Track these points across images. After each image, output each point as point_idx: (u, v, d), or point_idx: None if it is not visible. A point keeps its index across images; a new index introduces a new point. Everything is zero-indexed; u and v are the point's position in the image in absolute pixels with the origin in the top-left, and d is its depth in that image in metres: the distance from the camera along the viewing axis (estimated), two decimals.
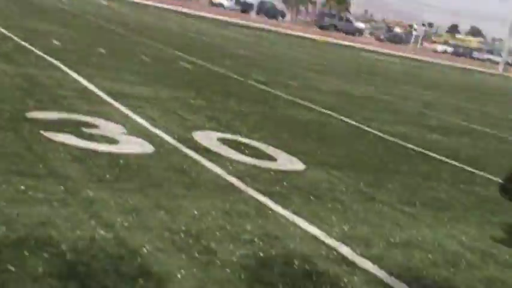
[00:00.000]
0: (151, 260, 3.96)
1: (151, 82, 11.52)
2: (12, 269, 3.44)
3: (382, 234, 5.50)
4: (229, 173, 6.40)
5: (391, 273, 4.63)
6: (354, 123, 11.84)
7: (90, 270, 3.63)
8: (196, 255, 4.19)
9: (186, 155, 6.74)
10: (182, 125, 8.25)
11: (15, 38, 13.56)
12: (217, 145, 7.46)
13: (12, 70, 9.73)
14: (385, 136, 11.06)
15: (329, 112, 12.46)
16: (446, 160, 9.93)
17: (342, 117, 12.14)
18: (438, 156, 10.09)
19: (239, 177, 6.30)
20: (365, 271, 4.57)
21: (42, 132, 6.35)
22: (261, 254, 4.46)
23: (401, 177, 7.94)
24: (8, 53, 11.50)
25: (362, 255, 4.89)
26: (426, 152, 10.25)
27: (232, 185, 6.03)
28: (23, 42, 13.21)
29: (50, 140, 6.12)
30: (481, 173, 9.43)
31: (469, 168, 9.61)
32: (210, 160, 6.71)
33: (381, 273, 4.59)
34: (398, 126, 12.71)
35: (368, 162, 8.46)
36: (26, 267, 3.50)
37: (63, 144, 6.05)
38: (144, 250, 4.08)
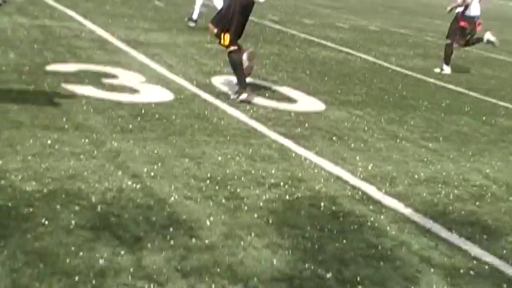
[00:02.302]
0: (180, 208, 4.03)
1: (167, 28, 11.43)
2: (46, 222, 3.52)
3: (406, 172, 5.51)
4: (250, 117, 6.41)
5: (416, 210, 4.66)
6: (372, 59, 11.71)
7: (121, 221, 3.70)
8: (224, 201, 4.25)
9: (206, 101, 6.75)
10: (200, 70, 8.23)
11: None
12: (236, 89, 7.43)
13: (28, 23, 9.70)
14: (405, 71, 10.95)
15: (347, 49, 12.32)
16: (468, 92, 9.83)
17: (360, 54, 12.00)
18: (459, 89, 9.99)
19: (260, 121, 6.31)
20: (391, 209, 4.61)
21: (63, 85, 6.38)
22: (287, 197, 4.51)
23: (423, 113, 7.90)
24: (22, 4, 11.43)
25: (387, 193, 4.92)
26: (447, 85, 10.15)
27: (254, 129, 6.05)
28: None
29: (71, 93, 6.15)
30: (503, 104, 9.35)
31: (491, 99, 9.52)
32: (231, 105, 6.71)
33: (406, 211, 4.63)
34: (417, 59, 12.56)
35: (388, 99, 8.41)
36: (58, 221, 3.57)
37: (84, 97, 6.09)
38: (172, 199, 4.14)
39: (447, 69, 11.28)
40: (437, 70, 11.29)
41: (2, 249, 3.16)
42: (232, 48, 6.86)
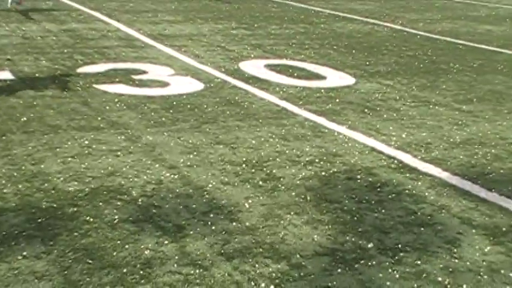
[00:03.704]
0: (218, 194, 4.11)
1: (191, 19, 11.51)
2: (91, 220, 3.64)
3: (441, 136, 5.49)
4: (281, 98, 6.45)
5: (454, 173, 4.66)
6: (399, 27, 11.60)
7: (162, 212, 3.80)
8: (261, 183, 4.32)
9: (235, 87, 6.81)
10: (228, 57, 8.29)
11: None
12: (265, 72, 7.49)
13: (56, 28, 9.88)
14: (433, 36, 10.82)
15: (373, 21, 12.22)
16: (500, 50, 9.68)
17: (386, 24, 11.90)
18: (491, 48, 9.84)
19: (291, 101, 6.35)
20: (428, 175, 4.61)
21: (95, 85, 6.51)
22: (323, 173, 4.55)
23: (454, 76, 7.82)
24: (48, 10, 11.64)
25: (423, 159, 4.92)
26: (477, 45, 10.01)
27: (285, 109, 6.09)
28: None
29: (104, 92, 6.28)
30: None
31: None
32: (260, 88, 6.76)
33: (444, 175, 4.63)
34: (445, 23, 12.39)
35: (419, 66, 8.34)
36: (102, 217, 3.69)
37: (116, 95, 6.21)
38: (210, 185, 4.22)
39: None
40: None
41: (51, 248, 3.29)
42: None
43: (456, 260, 3.42)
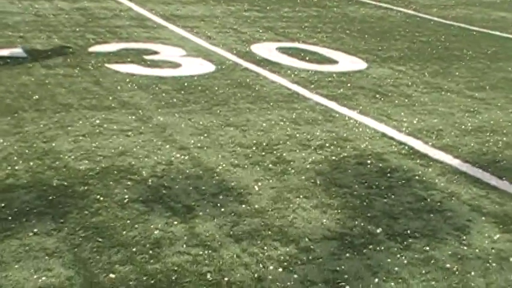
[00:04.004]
0: (228, 176, 4.12)
1: (203, 0, 11.46)
2: (101, 198, 3.66)
3: (453, 123, 5.47)
4: (292, 81, 6.43)
5: (465, 161, 4.64)
6: (412, 12, 11.51)
7: (172, 192, 3.82)
8: (270, 166, 4.32)
9: (247, 69, 6.79)
10: (239, 39, 8.26)
11: None
12: (276, 55, 7.46)
13: (68, 6, 9.87)
14: (447, 21, 10.74)
15: (386, 5, 12.12)
16: None
17: (399, 8, 11.81)
18: (505, 35, 9.75)
19: (302, 85, 6.33)
20: (438, 161, 4.60)
21: (106, 65, 6.51)
22: (333, 158, 4.54)
23: (467, 62, 7.77)
24: None
25: (434, 146, 4.90)
26: (492, 32, 9.92)
27: (296, 93, 6.07)
28: None
29: (115, 72, 6.28)
30: None
31: None
32: (272, 71, 6.74)
33: (454, 162, 4.61)
34: (459, 8, 12.28)
35: (431, 52, 8.29)
36: (112, 196, 3.71)
37: (128, 75, 6.21)
38: (220, 167, 4.23)
39: None
40: None
41: (62, 226, 3.31)
42: None
43: (465, 247, 3.42)
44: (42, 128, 4.66)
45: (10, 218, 3.35)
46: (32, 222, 3.32)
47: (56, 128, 4.70)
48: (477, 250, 3.41)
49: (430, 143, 4.95)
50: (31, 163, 4.05)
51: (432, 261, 3.26)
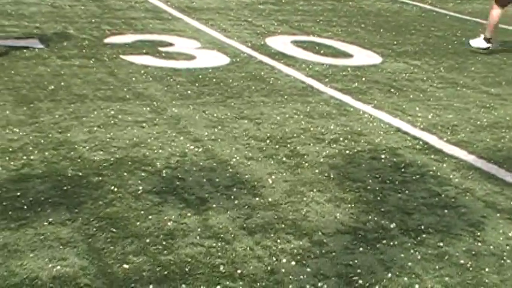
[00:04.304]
0: (242, 168, 4.12)
1: None
2: (115, 189, 3.68)
3: (468, 119, 5.44)
4: (307, 75, 6.42)
5: (480, 157, 4.61)
6: (428, 7, 11.43)
7: (186, 184, 3.83)
8: (284, 159, 4.32)
9: (261, 62, 6.78)
10: (254, 32, 8.25)
11: None
12: (291, 48, 7.45)
13: None
14: (463, 16, 10.66)
15: None
16: None
17: (415, 3, 11.73)
18: None
19: (317, 78, 6.31)
20: (453, 157, 4.58)
21: (121, 56, 6.53)
22: (347, 152, 4.53)
23: (484, 58, 7.71)
24: None
25: (449, 141, 4.88)
26: (509, 27, 9.83)
27: (311, 86, 6.06)
28: None
29: (130, 63, 6.30)
30: None
31: None
32: (286, 64, 6.73)
33: (469, 158, 4.59)
34: (476, 3, 12.18)
35: (447, 47, 8.24)
36: (126, 187, 3.72)
37: (143, 66, 6.22)
38: (234, 160, 4.23)
39: None
40: None
41: (76, 216, 3.33)
42: None
43: (479, 244, 3.41)
44: (57, 119, 4.68)
45: (25, 207, 3.38)
46: (46, 212, 3.34)
47: (71, 118, 4.72)
48: (491, 247, 3.39)
49: (445, 139, 4.93)
50: (46, 153, 4.07)
51: (446, 257, 3.25)
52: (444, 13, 10.91)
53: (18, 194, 3.51)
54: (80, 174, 3.83)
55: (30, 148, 4.13)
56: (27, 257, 2.93)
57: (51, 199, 3.49)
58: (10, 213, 3.30)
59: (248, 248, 3.18)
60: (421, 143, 4.81)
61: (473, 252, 3.31)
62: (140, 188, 3.73)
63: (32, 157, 4.00)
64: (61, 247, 3.04)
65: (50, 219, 3.27)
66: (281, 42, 7.68)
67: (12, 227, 3.17)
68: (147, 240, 3.17)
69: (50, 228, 3.19)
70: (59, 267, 2.88)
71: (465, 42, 8.38)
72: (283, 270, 3.02)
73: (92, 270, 2.89)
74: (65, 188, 3.64)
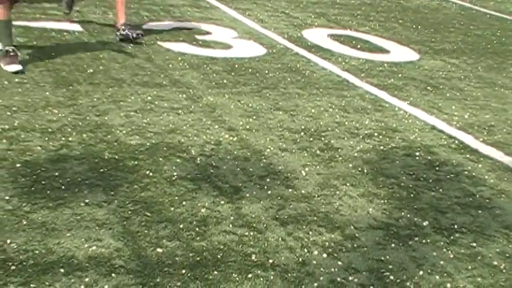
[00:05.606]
0: (276, 159, 4.13)
1: None
2: (150, 174, 3.72)
3: (505, 120, 5.37)
4: (343, 69, 6.39)
5: None
6: (468, 5, 11.28)
7: (219, 172, 3.86)
8: (318, 152, 4.32)
9: (297, 54, 6.78)
10: (291, 24, 8.23)
11: None
12: (328, 42, 7.42)
13: None
14: (504, 16, 10.50)
15: None
16: None
17: (455, 0, 11.59)
18: None
19: (353, 73, 6.29)
20: (489, 158, 4.53)
21: (159, 42, 6.58)
22: (381, 147, 4.52)
23: None
24: None
25: (485, 142, 4.83)
26: None
27: (346, 81, 6.04)
28: None
29: (167, 50, 6.34)
30: None
31: None
32: (322, 58, 6.71)
33: (506, 159, 4.54)
34: None
35: (486, 46, 8.13)
36: (161, 172, 3.76)
37: (180, 53, 6.26)
38: (268, 150, 4.25)
39: None
40: None
41: (112, 198, 3.39)
42: None
43: None
44: (95, 102, 4.75)
45: (63, 187, 3.44)
46: (83, 193, 3.40)
47: (109, 102, 4.78)
48: None
49: (481, 139, 4.88)
50: (84, 135, 4.14)
51: (479, 258, 3.23)
52: (484, 12, 10.76)
53: (56, 174, 3.57)
54: (116, 157, 3.89)
55: (69, 130, 4.19)
56: (64, 236, 2.99)
57: (88, 180, 3.55)
58: (48, 192, 3.36)
59: (280, 239, 3.20)
60: (456, 142, 4.77)
61: (508, 255, 3.28)
62: (175, 174, 3.77)
63: (70, 138, 4.06)
64: (97, 228, 3.09)
65: (87, 200, 3.33)
66: (318, 35, 7.66)
67: (50, 206, 3.23)
68: (181, 226, 3.21)
69: (87, 209, 3.25)
70: (94, 247, 2.93)
71: (505, 42, 8.26)
72: (314, 262, 3.03)
73: (126, 252, 2.93)
74: (102, 170, 3.69)
